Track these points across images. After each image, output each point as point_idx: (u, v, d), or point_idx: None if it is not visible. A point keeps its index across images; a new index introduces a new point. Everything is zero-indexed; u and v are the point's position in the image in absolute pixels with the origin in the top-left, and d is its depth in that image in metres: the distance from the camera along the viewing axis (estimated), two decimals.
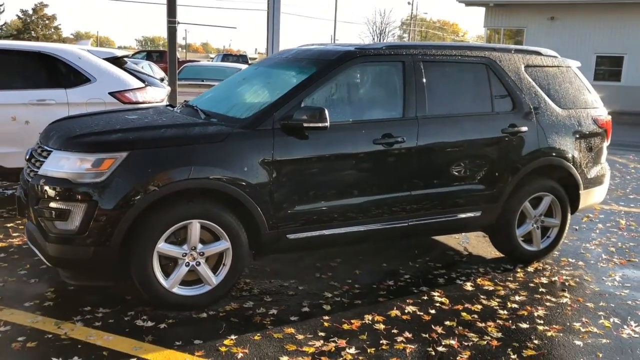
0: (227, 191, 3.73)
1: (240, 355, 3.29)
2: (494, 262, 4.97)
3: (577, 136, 4.96)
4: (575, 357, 3.41)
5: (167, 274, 3.76)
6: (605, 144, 5.28)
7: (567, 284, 4.55)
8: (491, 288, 4.40)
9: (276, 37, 11.47)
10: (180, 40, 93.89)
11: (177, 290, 3.78)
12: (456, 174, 4.48)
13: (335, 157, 4.05)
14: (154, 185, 3.57)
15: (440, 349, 3.44)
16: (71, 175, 3.58)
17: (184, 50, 79.84)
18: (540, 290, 4.39)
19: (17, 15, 72.83)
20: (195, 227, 3.72)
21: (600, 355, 3.45)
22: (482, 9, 24.75)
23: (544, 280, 4.61)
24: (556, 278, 4.66)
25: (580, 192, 5.02)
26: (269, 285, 4.30)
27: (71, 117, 4.61)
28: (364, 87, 4.52)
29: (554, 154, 4.81)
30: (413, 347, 3.45)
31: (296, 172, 3.95)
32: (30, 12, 70.92)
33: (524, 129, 4.68)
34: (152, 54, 28.73)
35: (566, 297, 4.28)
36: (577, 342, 3.59)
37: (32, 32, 69.43)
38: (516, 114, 4.70)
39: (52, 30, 71.94)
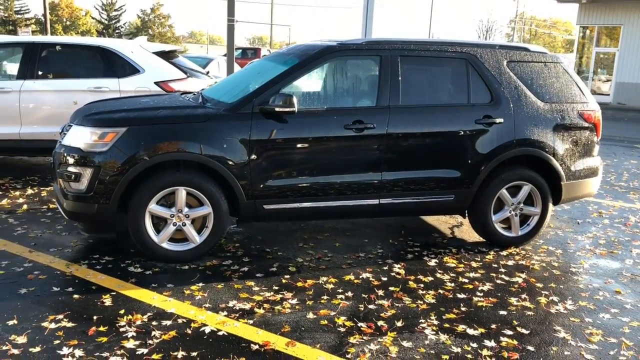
0: (206, 164, 4.42)
1: (198, 297, 3.96)
2: (471, 245, 5.31)
3: (560, 129, 5.18)
4: (490, 322, 3.77)
5: (159, 231, 4.51)
6: (595, 138, 5.42)
7: (530, 267, 4.82)
8: (453, 265, 4.77)
9: (369, 34, 12.07)
10: (285, 38, 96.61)
11: (166, 245, 4.52)
12: (427, 159, 4.90)
13: (307, 139, 4.61)
14: (146, 156, 4.32)
15: (370, 306, 3.93)
16: (83, 145, 4.42)
17: None
18: (500, 270, 4.71)
19: (137, 15, 78.45)
20: (181, 193, 4.44)
21: (516, 323, 3.78)
22: (576, 6, 23.87)
23: (510, 262, 4.91)
24: (524, 262, 4.93)
25: (562, 183, 5.23)
26: (253, 249, 4.95)
27: (100, 100, 5.50)
28: (343, 78, 5.03)
29: (531, 145, 5.06)
30: (348, 303, 3.97)
31: (271, 150, 4.55)
32: (149, 11, 76.16)
33: (500, 120, 4.98)
34: (246, 51, 30.35)
35: (520, 277, 4.58)
36: (501, 312, 3.93)
37: (149, 30, 74.53)
38: (493, 106, 5.02)
39: (167, 28, 76.80)
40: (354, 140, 4.70)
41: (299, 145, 4.62)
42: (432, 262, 4.81)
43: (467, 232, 5.67)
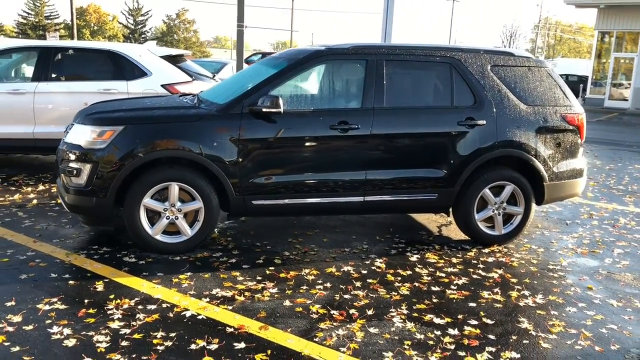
0: (197, 161, 4.69)
1: (185, 285, 4.23)
2: (455, 243, 5.49)
3: (542, 131, 5.33)
4: (457, 313, 3.96)
5: (153, 224, 4.79)
6: (579, 140, 5.56)
7: (509, 264, 4.99)
8: (433, 261, 4.97)
9: (389, 37, 12.30)
10: (308, 43, 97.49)
11: (160, 237, 4.80)
12: (410, 159, 5.10)
13: (293, 139, 4.86)
14: (141, 153, 4.61)
15: (346, 296, 4.15)
16: (83, 142, 4.72)
17: None
18: (478, 266, 4.89)
19: (162, 20, 79.76)
20: (174, 188, 4.72)
21: (482, 314, 3.96)
22: (594, 11, 23.76)
23: (490, 259, 5.08)
24: (504, 259, 5.10)
25: (544, 184, 5.39)
26: (244, 243, 5.21)
27: (103, 101, 5.83)
28: (330, 80, 5.27)
29: (512, 146, 5.24)
30: (325, 293, 4.19)
31: (259, 149, 4.81)
32: (174, 16, 77.40)
33: (482, 122, 5.17)
34: (266, 56, 30.80)
35: (497, 273, 4.75)
36: (471, 304, 4.12)
37: (175, 34, 75.74)
38: (476, 109, 5.20)
39: (192, 33, 77.96)
40: (339, 140, 4.92)
41: (285, 144, 4.86)
42: (414, 258, 5.01)
43: (454, 231, 5.85)
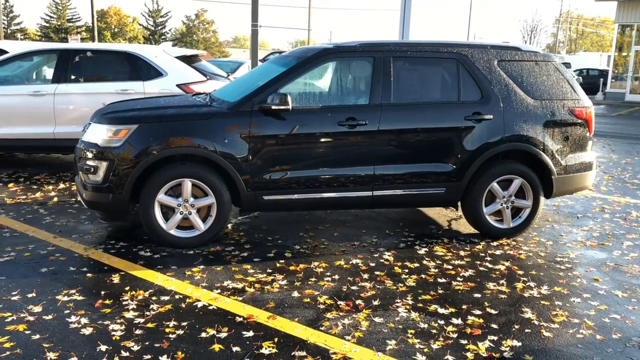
0: (209, 157, 4.83)
1: (197, 277, 4.37)
2: (464, 236, 5.56)
3: (550, 125, 5.38)
4: (462, 304, 4.04)
5: (167, 219, 4.95)
6: (588, 134, 5.59)
7: (517, 256, 5.05)
8: (441, 254, 5.04)
9: (406, 34, 12.37)
10: (327, 41, 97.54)
11: (174, 232, 4.95)
12: (418, 154, 5.18)
13: (302, 135, 4.98)
14: (155, 150, 4.77)
15: (353, 287, 4.26)
16: (100, 141, 4.89)
17: None
18: (486, 258, 4.96)
19: (182, 21, 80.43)
20: (187, 184, 4.86)
21: (487, 304, 4.04)
22: (614, 4, 23.48)
23: (498, 252, 5.14)
24: (512, 252, 5.16)
25: (553, 177, 5.43)
26: (256, 237, 5.35)
27: (120, 101, 6.00)
28: (338, 78, 5.38)
29: (520, 140, 5.29)
30: (332, 284, 4.31)
31: (269, 145, 4.93)
32: (193, 17, 78.00)
33: (489, 116, 5.23)
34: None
35: (504, 265, 4.81)
36: (476, 295, 4.20)
37: (194, 35, 76.37)
38: (483, 103, 5.26)
39: (211, 33, 78.50)
40: (347, 136, 5.03)
41: (295, 141, 4.98)
42: (422, 251, 5.10)
43: (464, 225, 5.91)
